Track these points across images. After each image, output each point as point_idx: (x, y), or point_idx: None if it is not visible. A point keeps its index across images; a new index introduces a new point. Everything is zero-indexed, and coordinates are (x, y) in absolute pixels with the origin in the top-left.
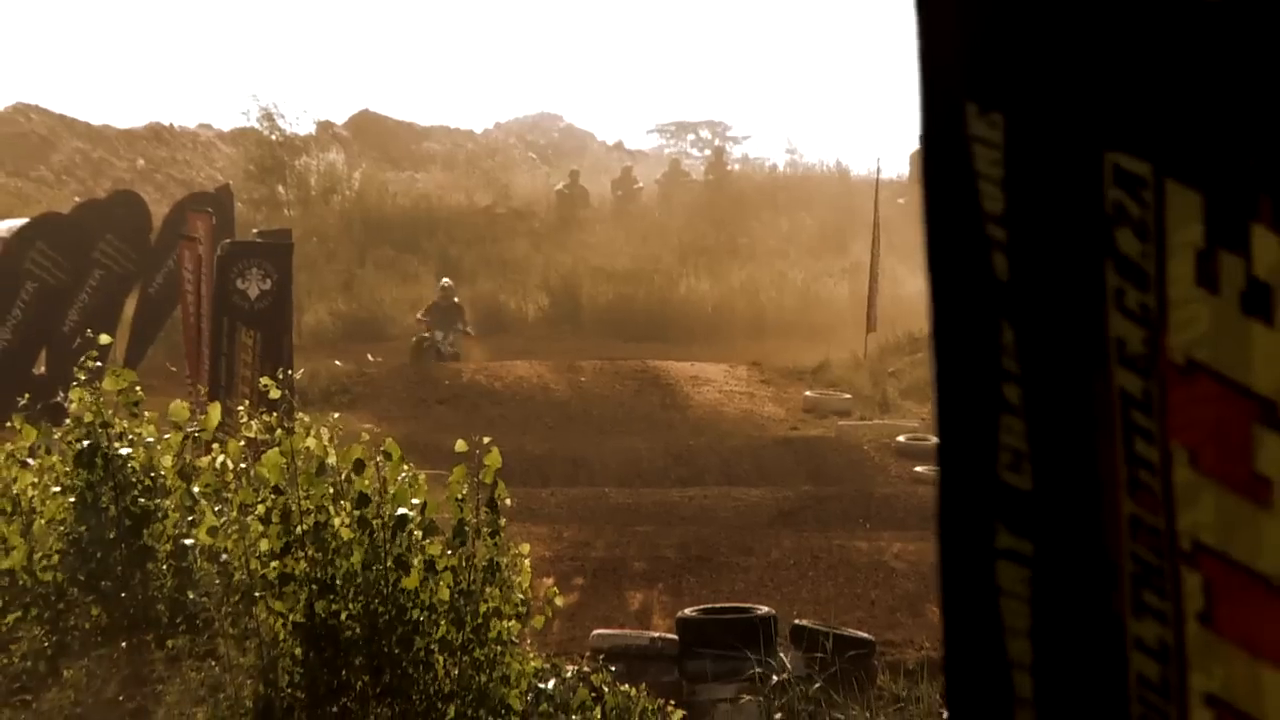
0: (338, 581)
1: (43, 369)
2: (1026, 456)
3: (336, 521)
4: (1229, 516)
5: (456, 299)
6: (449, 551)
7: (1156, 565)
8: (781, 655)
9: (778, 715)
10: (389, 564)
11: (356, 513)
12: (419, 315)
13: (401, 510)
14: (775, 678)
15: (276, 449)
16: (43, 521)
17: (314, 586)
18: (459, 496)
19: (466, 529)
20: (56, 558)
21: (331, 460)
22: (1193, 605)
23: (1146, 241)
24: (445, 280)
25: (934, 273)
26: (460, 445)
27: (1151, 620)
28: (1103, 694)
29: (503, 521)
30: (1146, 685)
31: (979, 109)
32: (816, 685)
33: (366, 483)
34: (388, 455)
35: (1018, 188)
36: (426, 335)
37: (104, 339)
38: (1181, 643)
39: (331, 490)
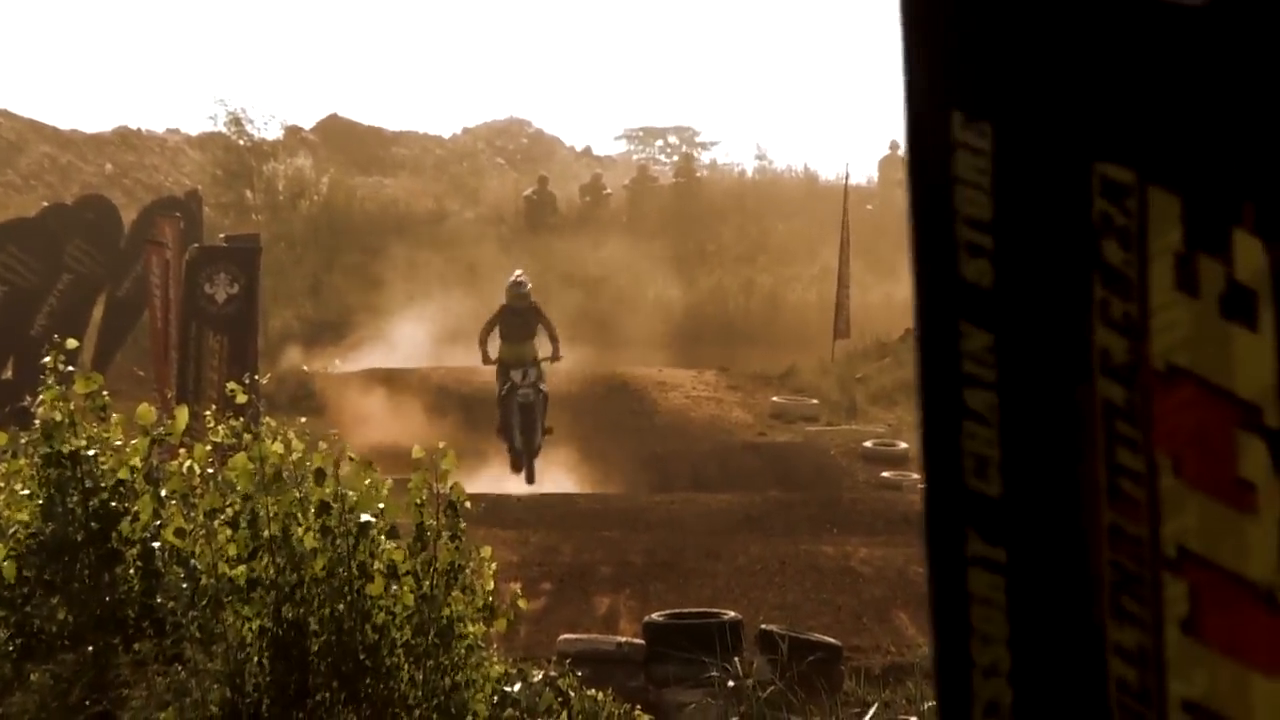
0: (303, 588)
1: (9, 374)
2: (995, 463)
3: (299, 530)
4: (1214, 523)
5: (534, 300)
6: (411, 556)
7: (1136, 573)
8: (747, 660)
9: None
10: (353, 570)
11: (318, 521)
12: (483, 330)
13: (365, 517)
14: (740, 682)
15: (244, 454)
16: (10, 517)
17: (280, 591)
18: (419, 501)
19: (427, 533)
20: (23, 559)
21: (296, 456)
22: (1175, 612)
23: (1129, 250)
24: (518, 274)
25: (916, 275)
26: (417, 451)
27: (1131, 627)
28: (1082, 700)
29: (463, 525)
30: (1125, 690)
31: (965, 117)
32: (772, 689)
33: (327, 490)
34: (340, 463)
35: (1006, 196)
36: (503, 382)
37: (71, 343)
38: (1161, 649)
39: (299, 496)
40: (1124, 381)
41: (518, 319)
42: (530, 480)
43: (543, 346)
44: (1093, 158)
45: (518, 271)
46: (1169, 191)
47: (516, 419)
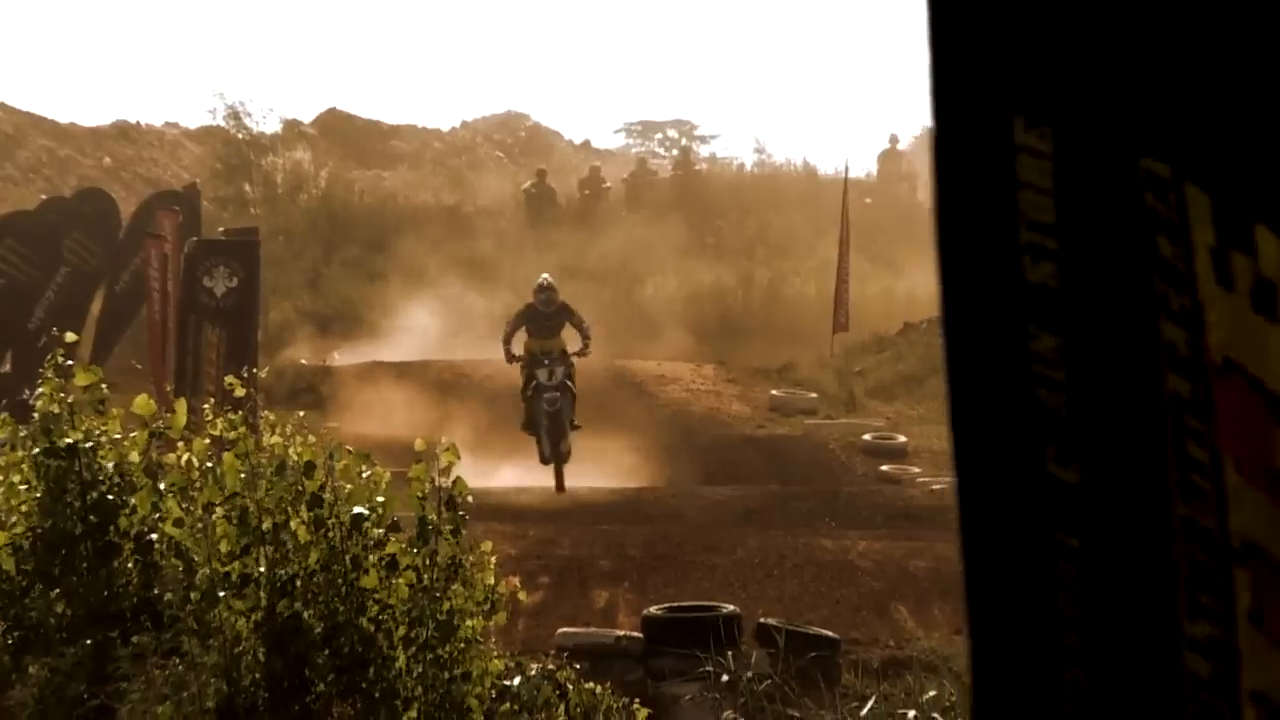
0: (297, 582)
1: (8, 367)
2: (1074, 454)
3: (294, 523)
4: (1264, 517)
5: (562, 299)
6: (413, 550)
7: (1210, 565)
8: (746, 653)
9: (728, 713)
10: (347, 563)
11: (311, 514)
12: (507, 329)
13: (357, 509)
14: (735, 677)
15: (232, 453)
16: (9, 510)
17: (274, 586)
18: (420, 495)
19: (429, 527)
20: (21, 552)
21: (294, 456)
22: (1243, 604)
23: (1176, 244)
24: (544, 276)
25: (958, 280)
26: (419, 443)
27: (1204, 621)
28: (1156, 692)
29: (465, 517)
30: (1200, 684)
31: (1026, 122)
32: (768, 683)
33: (318, 484)
34: (331, 456)
35: (1070, 198)
36: (528, 380)
37: (70, 337)
38: (1233, 641)
39: (296, 490)
40: (1188, 375)
41: (546, 320)
42: (560, 489)
43: (572, 342)
44: (1139, 153)
45: (544, 275)
46: (1200, 188)
47: (544, 424)
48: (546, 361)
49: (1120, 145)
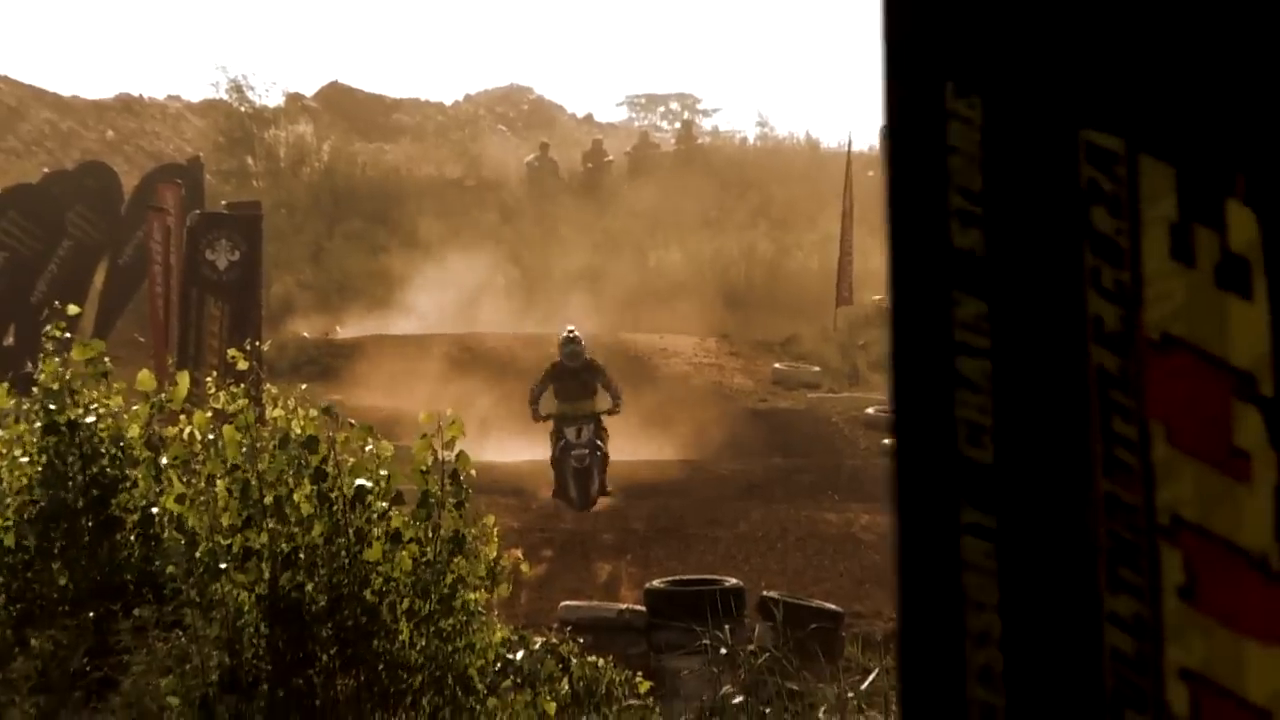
0: (300, 555)
1: (11, 340)
2: (988, 430)
3: (298, 496)
4: (1208, 492)
5: (589, 356)
6: (416, 523)
7: (1133, 542)
8: (749, 627)
9: (728, 686)
10: (350, 536)
11: (314, 487)
12: (532, 387)
13: (360, 481)
14: (736, 650)
15: (232, 425)
16: (10, 485)
17: (276, 559)
18: (424, 468)
19: (431, 500)
20: (22, 526)
21: (297, 429)
22: (1172, 581)
23: (1120, 218)
24: (569, 329)
25: (895, 245)
26: (424, 417)
27: (1127, 596)
28: (1076, 668)
29: (469, 491)
30: (1121, 660)
31: (956, 89)
32: (766, 655)
33: (321, 457)
34: (329, 411)
35: (997, 166)
36: (556, 439)
37: (72, 309)
38: (1159, 618)
39: (299, 463)
40: (1117, 350)
41: (574, 379)
42: (585, 504)
43: (603, 403)
44: (1079, 125)
45: (569, 327)
46: (1162, 161)
47: (572, 482)
48: (576, 421)
49: (1057, 117)
